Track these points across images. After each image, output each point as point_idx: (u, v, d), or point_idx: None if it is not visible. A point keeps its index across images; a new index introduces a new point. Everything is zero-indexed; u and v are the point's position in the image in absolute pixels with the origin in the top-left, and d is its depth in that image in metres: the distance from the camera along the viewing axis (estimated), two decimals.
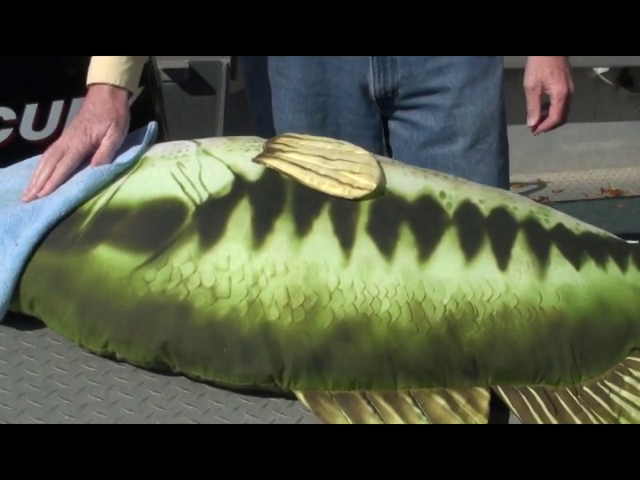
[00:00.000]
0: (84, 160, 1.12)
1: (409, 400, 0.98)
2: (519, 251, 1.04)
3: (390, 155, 1.56)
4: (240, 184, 1.05)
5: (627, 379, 1.02)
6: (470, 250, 1.03)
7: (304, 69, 1.46)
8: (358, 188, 1.04)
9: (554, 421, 0.97)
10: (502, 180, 1.54)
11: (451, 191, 1.08)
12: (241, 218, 1.02)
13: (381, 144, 1.54)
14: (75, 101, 1.55)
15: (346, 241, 1.01)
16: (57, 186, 1.09)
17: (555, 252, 1.06)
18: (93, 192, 1.07)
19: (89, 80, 1.17)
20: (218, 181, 1.05)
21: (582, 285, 1.04)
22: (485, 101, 1.49)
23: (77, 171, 1.11)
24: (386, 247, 1.01)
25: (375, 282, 0.99)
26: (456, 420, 0.96)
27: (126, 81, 1.16)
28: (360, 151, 1.09)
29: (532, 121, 1.53)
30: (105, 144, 1.12)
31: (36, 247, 1.05)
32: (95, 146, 1.12)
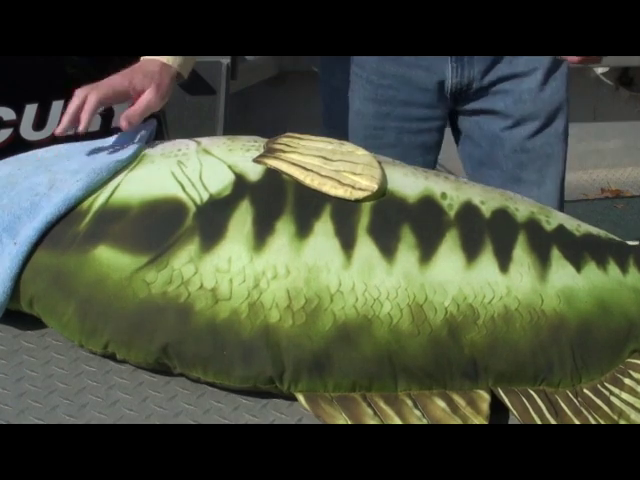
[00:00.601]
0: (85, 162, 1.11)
1: (409, 402, 0.98)
2: (520, 253, 1.04)
3: (457, 141, 1.59)
4: (241, 185, 1.05)
5: (627, 381, 1.02)
6: (471, 252, 1.03)
7: (380, 61, 1.48)
8: (360, 189, 1.04)
9: (554, 423, 0.97)
10: (563, 164, 1.59)
11: (452, 192, 1.08)
12: (242, 219, 1.02)
13: (442, 136, 1.57)
14: None
15: (347, 243, 1.01)
16: (92, 116, 1.08)
17: (556, 254, 1.06)
18: (93, 190, 1.07)
19: (142, 57, 1.17)
20: (219, 181, 1.05)
21: (583, 287, 1.04)
22: (554, 87, 1.53)
23: (80, 171, 1.10)
24: (387, 249, 1.01)
25: (376, 284, 0.99)
26: (456, 422, 0.96)
27: (179, 63, 1.17)
28: (361, 151, 1.08)
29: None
30: (141, 101, 1.11)
31: (35, 246, 1.04)
32: (132, 95, 1.11)
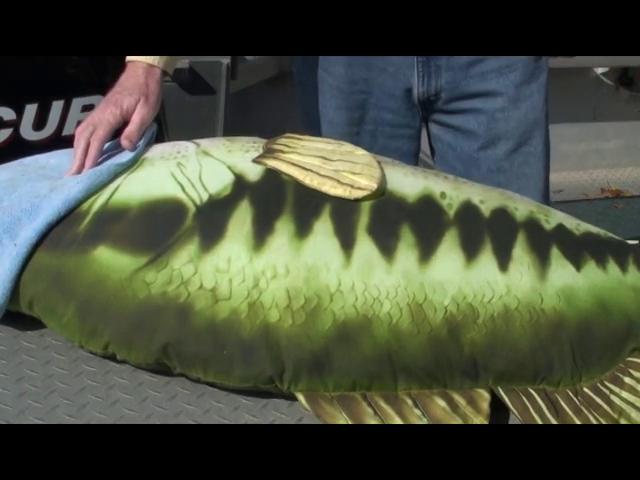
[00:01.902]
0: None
1: (410, 402, 0.98)
2: (520, 252, 1.04)
3: (433, 157, 1.58)
4: (240, 185, 1.05)
5: (627, 380, 1.02)
6: (471, 251, 1.03)
7: (349, 68, 1.48)
8: (359, 189, 1.04)
9: (554, 422, 0.97)
10: (545, 182, 1.55)
11: (451, 191, 1.08)
12: (242, 219, 1.02)
13: (418, 145, 1.56)
14: (75, 101, 1.56)
15: (347, 242, 1.01)
16: (96, 161, 1.11)
17: (556, 253, 1.06)
18: (93, 192, 1.07)
19: (128, 57, 1.19)
20: (218, 182, 1.05)
21: (582, 286, 1.04)
22: (529, 105, 1.49)
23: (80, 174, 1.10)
24: (387, 248, 1.01)
25: (376, 283, 0.99)
26: (457, 421, 0.96)
27: (164, 62, 1.18)
28: (360, 151, 1.08)
29: None
30: (134, 119, 1.14)
31: (35, 247, 1.04)
32: (125, 118, 1.14)
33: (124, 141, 1.13)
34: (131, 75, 1.17)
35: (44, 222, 1.05)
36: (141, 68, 1.17)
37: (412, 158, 1.54)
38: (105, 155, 1.14)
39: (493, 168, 1.50)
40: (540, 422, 0.97)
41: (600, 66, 3.29)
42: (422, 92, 1.47)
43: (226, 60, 2.00)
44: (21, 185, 1.10)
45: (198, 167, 1.07)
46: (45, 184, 1.09)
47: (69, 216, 1.06)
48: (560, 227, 1.09)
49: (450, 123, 1.51)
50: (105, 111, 1.14)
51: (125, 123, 1.15)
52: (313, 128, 1.53)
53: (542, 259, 1.04)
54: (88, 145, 1.12)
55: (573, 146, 3.42)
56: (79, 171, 1.11)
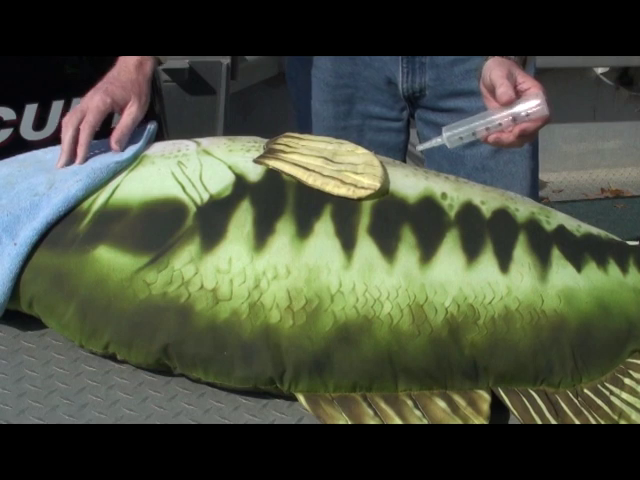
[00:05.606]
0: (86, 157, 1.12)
1: (410, 403, 0.98)
2: (520, 253, 1.04)
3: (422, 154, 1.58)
4: (241, 185, 1.05)
5: (627, 381, 1.02)
6: (471, 252, 1.03)
7: (335, 62, 1.49)
8: (362, 188, 1.04)
9: (555, 423, 0.97)
10: (532, 181, 1.55)
11: (452, 192, 1.08)
12: (242, 220, 1.02)
13: (405, 138, 1.57)
14: (75, 101, 1.56)
15: (348, 243, 1.01)
16: (88, 148, 1.10)
17: (556, 254, 1.06)
18: (92, 190, 1.07)
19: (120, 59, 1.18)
20: (219, 182, 1.05)
21: (583, 287, 1.04)
22: None
23: (80, 171, 1.10)
24: (388, 249, 1.01)
25: (377, 284, 0.99)
26: (457, 423, 0.96)
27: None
28: (361, 150, 1.08)
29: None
30: (126, 121, 1.13)
31: (35, 247, 1.04)
32: (114, 109, 1.13)
33: (115, 145, 1.11)
34: (123, 70, 1.16)
35: (44, 221, 1.04)
36: (132, 64, 1.17)
37: (399, 152, 1.55)
38: (105, 151, 1.13)
39: (478, 166, 1.50)
40: (540, 423, 0.97)
41: (600, 66, 3.29)
42: (406, 88, 1.48)
43: (226, 60, 2.00)
44: (19, 182, 1.10)
45: (199, 166, 1.07)
46: (43, 179, 1.09)
47: (69, 215, 1.05)
48: (561, 228, 1.09)
49: (435, 121, 1.51)
50: (94, 98, 1.12)
51: (110, 115, 1.13)
52: (304, 123, 1.54)
53: (543, 260, 1.04)
54: (77, 133, 1.10)
55: (573, 146, 3.42)
56: (69, 160, 1.10)
